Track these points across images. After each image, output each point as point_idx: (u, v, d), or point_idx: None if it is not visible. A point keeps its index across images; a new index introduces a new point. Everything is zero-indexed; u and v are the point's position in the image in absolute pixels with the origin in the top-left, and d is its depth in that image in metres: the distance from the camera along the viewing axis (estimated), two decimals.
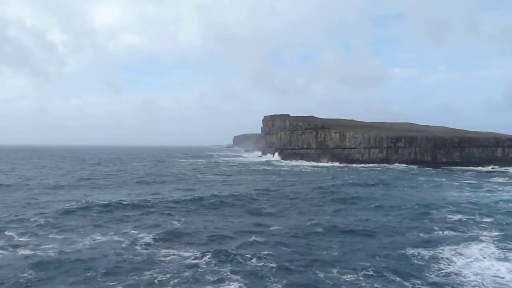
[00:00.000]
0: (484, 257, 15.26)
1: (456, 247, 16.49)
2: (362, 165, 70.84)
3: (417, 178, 48.01)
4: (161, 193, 33.40)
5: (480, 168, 63.78)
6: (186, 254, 15.65)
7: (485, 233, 19.14)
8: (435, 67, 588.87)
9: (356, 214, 24.23)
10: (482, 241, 17.41)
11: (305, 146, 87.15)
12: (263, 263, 14.58)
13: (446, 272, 13.81)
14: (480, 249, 16.14)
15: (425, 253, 15.80)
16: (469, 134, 75.94)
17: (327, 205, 27.53)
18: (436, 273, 13.71)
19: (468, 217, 22.92)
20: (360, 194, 32.47)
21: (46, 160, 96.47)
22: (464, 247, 16.49)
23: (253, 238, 17.84)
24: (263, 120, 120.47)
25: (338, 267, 14.18)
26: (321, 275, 13.54)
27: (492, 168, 63.78)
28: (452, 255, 15.56)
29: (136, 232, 19.26)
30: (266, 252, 15.63)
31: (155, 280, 13.00)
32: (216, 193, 32.18)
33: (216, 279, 13.12)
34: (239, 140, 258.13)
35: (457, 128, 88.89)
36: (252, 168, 67.56)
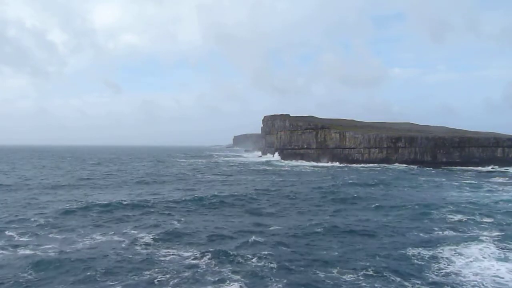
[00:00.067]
0: (484, 257, 15.27)
1: (456, 247, 16.50)
2: (362, 165, 70.84)
3: (417, 178, 48.01)
4: (161, 193, 33.40)
5: (480, 168, 63.78)
6: (186, 254, 15.66)
7: (485, 233, 19.14)
8: (435, 67, 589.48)
9: (356, 214, 24.23)
10: (482, 241, 17.42)
11: (305, 146, 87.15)
12: (263, 263, 14.58)
13: (446, 272, 13.82)
14: (480, 249, 16.14)
15: (425, 253, 15.81)
16: (469, 134, 75.94)
17: (327, 205, 27.53)
18: (436, 273, 13.71)
19: (468, 217, 22.93)
20: (360, 194, 32.46)
21: (46, 160, 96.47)
22: (464, 247, 16.50)
23: (253, 238, 17.84)
24: (263, 120, 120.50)
25: (338, 267, 14.18)
26: (321, 275, 13.54)
27: (492, 168, 63.78)
28: (452, 255, 15.57)
29: (136, 232, 19.27)
30: (266, 252, 15.63)
31: (155, 280, 13.00)
32: (216, 193, 32.19)
33: (216, 279, 13.12)
34: (239, 140, 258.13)
35: (457, 128, 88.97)
36: (252, 168, 67.55)
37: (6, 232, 18.91)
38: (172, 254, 15.66)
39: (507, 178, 48.27)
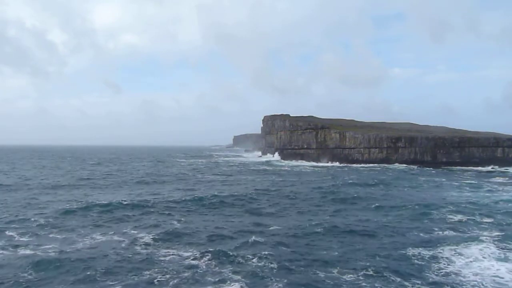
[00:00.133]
0: (484, 257, 15.27)
1: (456, 247, 16.50)
2: (362, 165, 70.83)
3: (417, 178, 48.02)
4: (161, 193, 33.40)
5: (480, 168, 63.78)
6: (186, 254, 15.66)
7: (485, 233, 19.14)
8: (435, 67, 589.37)
9: (356, 214, 24.24)
10: (482, 241, 17.42)
11: (305, 146, 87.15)
12: (263, 263, 14.58)
13: (446, 272, 13.83)
14: (480, 249, 16.15)
15: (425, 253, 15.81)
16: (469, 134, 75.95)
17: (327, 205, 27.53)
18: (436, 273, 13.72)
19: (468, 217, 22.94)
20: (360, 194, 32.46)
21: (46, 160, 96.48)
22: (464, 247, 16.50)
23: (253, 238, 17.85)
24: (263, 120, 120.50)
25: (338, 267, 14.19)
26: (322, 275, 13.55)
27: (492, 168, 63.77)
28: (452, 255, 15.57)
29: (136, 232, 19.28)
30: (266, 252, 15.63)
31: (155, 280, 13.00)
32: (216, 193, 32.19)
33: (216, 279, 13.12)
34: (239, 140, 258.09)
35: (457, 128, 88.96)
36: (252, 168, 67.56)
37: (7, 232, 18.92)
38: (172, 254, 15.67)
39: (507, 178, 48.27)
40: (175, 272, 13.67)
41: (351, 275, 13.46)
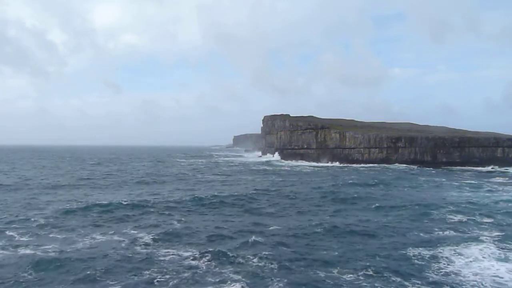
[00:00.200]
0: (484, 257, 15.28)
1: (456, 247, 16.51)
2: (362, 165, 70.84)
3: (417, 178, 48.02)
4: (161, 193, 33.41)
5: (480, 168, 63.77)
6: (186, 254, 15.66)
7: (485, 233, 19.15)
8: (435, 67, 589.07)
9: (356, 214, 24.24)
10: (482, 241, 17.43)
11: (305, 146, 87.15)
12: (263, 263, 14.59)
13: (445, 272, 13.83)
14: (480, 249, 16.16)
15: (425, 253, 15.82)
16: (469, 134, 75.95)
17: (327, 205, 27.54)
18: (436, 273, 13.72)
19: (468, 217, 22.94)
20: (360, 194, 32.47)
21: (46, 160, 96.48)
22: (464, 247, 16.51)
23: (253, 238, 17.85)
24: (263, 120, 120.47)
25: (338, 267, 14.19)
26: (322, 274, 13.55)
27: (492, 168, 63.76)
28: (452, 255, 15.58)
29: (136, 232, 19.28)
30: (266, 252, 15.64)
31: (155, 281, 13.01)
32: (216, 193, 32.20)
33: (216, 279, 13.13)
34: (239, 140, 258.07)
35: (457, 128, 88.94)
36: (252, 168, 67.57)
37: (7, 232, 18.92)
38: (172, 254, 15.67)
39: (507, 178, 48.28)
40: (175, 272, 13.67)
41: (351, 275, 13.46)
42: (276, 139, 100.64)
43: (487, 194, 33.42)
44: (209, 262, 14.71)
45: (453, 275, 13.55)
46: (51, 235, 18.59)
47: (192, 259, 15.08)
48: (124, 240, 17.63)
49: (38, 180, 43.78)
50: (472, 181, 43.77)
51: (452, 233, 19.40)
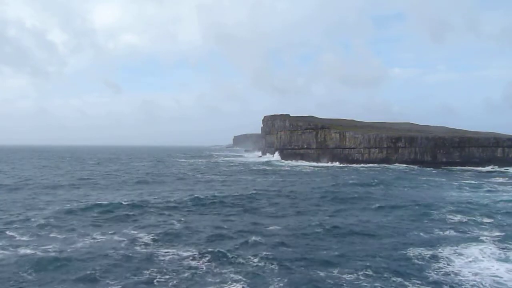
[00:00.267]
0: (483, 257, 15.29)
1: (456, 247, 16.52)
2: (362, 165, 70.84)
3: (417, 178, 48.04)
4: (161, 193, 33.42)
5: (480, 168, 63.77)
6: (186, 254, 15.67)
7: (485, 233, 19.16)
8: (435, 67, 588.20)
9: (356, 214, 24.25)
10: (482, 241, 17.45)
11: (305, 146, 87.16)
12: (263, 263, 14.59)
13: (445, 272, 13.84)
14: (480, 250, 16.17)
15: (425, 253, 15.82)
16: (469, 134, 75.97)
17: (327, 205, 27.54)
18: (436, 273, 13.72)
19: (468, 217, 22.95)
20: (360, 194, 32.48)
21: (46, 160, 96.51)
22: (464, 247, 16.52)
23: (253, 238, 17.86)
24: (263, 120, 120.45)
25: (338, 267, 14.19)
26: (322, 274, 13.56)
27: (492, 168, 63.77)
28: (452, 255, 15.59)
29: (135, 232, 19.29)
30: (266, 252, 15.64)
31: (154, 281, 13.01)
32: (216, 193, 32.21)
33: (216, 279, 13.14)
34: (239, 140, 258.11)
35: (457, 128, 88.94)
36: (252, 168, 67.58)
37: (7, 232, 18.92)
38: (172, 254, 15.67)
39: (507, 178, 48.30)
40: (174, 272, 13.68)
41: (351, 275, 13.46)
42: (276, 139, 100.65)
43: (487, 194, 33.43)
44: (209, 262, 14.72)
45: (453, 275, 13.55)
46: (51, 235, 18.60)
47: (192, 259, 15.09)
48: (124, 240, 17.64)
49: (38, 180, 43.79)
50: (472, 181, 43.78)
51: (452, 233, 19.40)
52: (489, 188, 37.53)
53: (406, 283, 12.87)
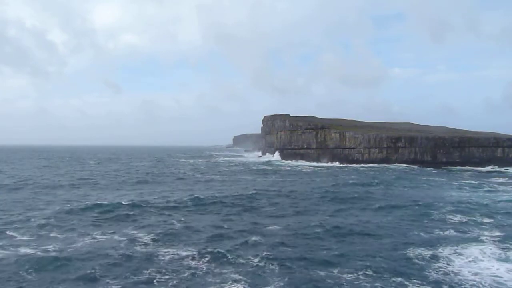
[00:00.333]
0: (483, 257, 15.29)
1: (456, 247, 16.53)
2: (362, 165, 70.84)
3: (417, 178, 48.03)
4: (161, 193, 33.42)
5: (480, 168, 63.77)
6: (186, 254, 15.67)
7: (485, 233, 19.17)
8: (435, 67, 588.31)
9: (356, 214, 24.25)
10: (482, 241, 17.46)
11: (305, 146, 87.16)
12: (263, 263, 14.59)
13: (445, 272, 13.84)
14: (480, 249, 16.17)
15: (425, 253, 15.82)
16: (469, 134, 75.97)
17: (327, 205, 27.54)
18: (436, 273, 13.73)
19: (468, 217, 22.96)
20: (360, 194, 32.48)
21: (46, 160, 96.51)
22: (464, 247, 16.52)
23: (253, 238, 17.86)
24: (263, 120, 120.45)
25: (338, 267, 14.20)
26: (322, 274, 13.56)
27: (492, 168, 63.78)
28: (452, 255, 15.59)
29: (135, 232, 19.29)
30: (266, 252, 15.65)
31: (154, 281, 13.01)
32: (216, 193, 32.21)
33: (216, 279, 13.14)
34: (239, 140, 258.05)
35: (457, 128, 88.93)
36: (252, 168, 67.58)
37: (7, 232, 18.93)
38: (172, 254, 15.67)
39: (507, 178, 48.31)
40: (174, 272, 13.68)
41: (352, 275, 13.47)
42: (276, 139, 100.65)
43: (487, 194, 33.43)
44: (209, 262, 14.73)
45: (453, 275, 13.56)
46: (51, 235, 18.61)
47: (192, 259, 15.09)
48: (124, 240, 17.64)
49: (38, 180, 43.79)
50: (472, 181, 43.78)
51: (452, 233, 19.40)
52: (489, 188, 37.54)
53: (406, 283, 12.87)
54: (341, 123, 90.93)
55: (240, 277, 13.23)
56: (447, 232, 19.50)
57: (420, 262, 14.88)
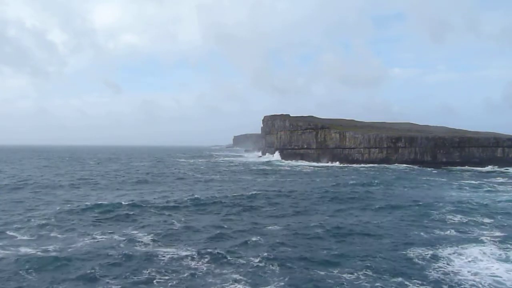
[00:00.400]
0: (483, 257, 15.30)
1: (456, 247, 16.53)
2: (362, 165, 70.83)
3: (417, 178, 48.02)
4: (161, 193, 33.41)
5: (480, 168, 63.77)
6: (186, 254, 15.67)
7: (485, 233, 19.17)
8: (435, 67, 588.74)
9: (356, 214, 24.25)
10: (482, 241, 17.46)
11: (305, 146, 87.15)
12: (263, 263, 14.59)
13: (445, 272, 13.85)
14: (480, 250, 16.18)
15: (425, 253, 15.83)
16: (469, 134, 75.95)
17: (327, 205, 27.54)
18: (436, 273, 13.73)
19: (468, 217, 22.96)
20: (360, 194, 32.48)
21: (46, 160, 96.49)
22: (464, 247, 16.53)
23: (253, 238, 17.87)
24: (263, 120, 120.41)
25: (338, 267, 14.21)
26: (322, 274, 13.57)
27: (492, 168, 63.77)
28: (452, 255, 15.59)
29: (135, 231, 19.29)
30: (266, 252, 15.65)
31: (154, 281, 13.02)
32: (216, 193, 32.20)
33: (216, 279, 13.14)
34: (239, 140, 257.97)
35: (457, 128, 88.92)
36: (252, 168, 67.57)
37: (7, 232, 18.95)
38: (172, 254, 15.67)
39: (507, 178, 48.31)
40: (174, 273, 13.68)
41: (352, 275, 13.47)
42: (276, 139, 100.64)
43: (487, 194, 33.43)
44: (209, 262, 14.73)
45: (453, 275, 13.56)
46: (51, 235, 18.62)
47: (192, 259, 15.09)
48: (123, 240, 17.64)
49: (38, 180, 43.78)
50: (472, 181, 43.78)
51: (452, 233, 19.40)
52: (489, 188, 37.55)
53: (406, 282, 12.87)
54: (341, 123, 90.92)
55: (241, 277, 13.23)
56: (447, 232, 19.50)
57: (420, 262, 14.88)
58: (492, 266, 14.34)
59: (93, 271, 13.61)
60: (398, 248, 16.62)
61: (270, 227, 20.45)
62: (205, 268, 14.13)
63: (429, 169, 63.25)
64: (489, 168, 63.81)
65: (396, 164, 69.76)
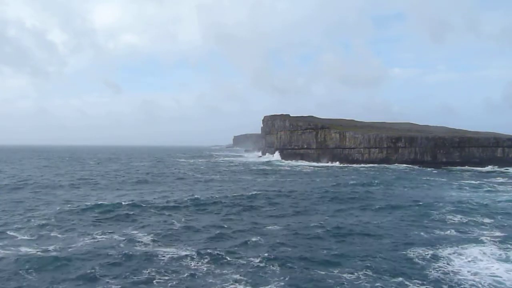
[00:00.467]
0: (483, 257, 15.29)
1: (456, 247, 16.53)
2: (362, 165, 70.83)
3: (417, 178, 48.01)
4: (161, 193, 33.41)
5: (480, 168, 63.77)
6: (186, 254, 15.66)
7: (485, 233, 19.17)
8: (435, 67, 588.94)
9: (356, 214, 24.25)
10: (482, 241, 17.46)
11: (305, 146, 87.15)
12: (264, 263, 14.59)
13: (445, 272, 13.85)
14: (480, 250, 16.18)
15: (425, 253, 15.83)
16: (469, 134, 75.95)
17: (327, 205, 27.54)
18: (436, 273, 13.73)
19: (468, 217, 22.96)
20: (360, 194, 32.48)
21: (46, 160, 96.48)
22: (464, 247, 16.52)
23: (253, 238, 17.87)
24: (263, 120, 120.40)
25: (339, 267, 14.21)
26: (322, 274, 13.57)
27: (492, 168, 63.77)
28: (452, 255, 15.59)
29: (135, 231, 19.29)
30: (266, 252, 15.65)
31: (154, 281, 13.01)
32: (215, 193, 32.19)
33: (217, 279, 13.14)
34: (239, 140, 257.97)
35: (457, 128, 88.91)
36: (252, 168, 67.56)
37: (7, 232, 18.94)
38: (172, 254, 15.67)
39: (507, 178, 48.31)
40: (174, 273, 13.68)
41: (352, 275, 13.47)
42: (276, 139, 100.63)
43: (487, 194, 33.43)
44: (209, 262, 14.72)
45: (452, 275, 13.56)
46: (51, 235, 18.62)
47: (192, 259, 15.09)
48: (123, 240, 17.64)
49: (38, 180, 43.78)
50: (472, 181, 43.78)
51: (452, 233, 19.40)
52: (489, 188, 37.54)
53: (407, 282, 12.87)
54: (341, 123, 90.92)
55: (241, 277, 13.23)
56: (447, 232, 19.50)
57: (420, 262, 14.88)
58: (492, 266, 14.34)
59: (93, 271, 13.61)
60: (398, 248, 16.62)
61: (270, 227, 20.45)
62: (205, 268, 14.12)
63: (429, 169, 63.26)
64: (489, 168, 63.81)
65: (396, 164, 69.76)
